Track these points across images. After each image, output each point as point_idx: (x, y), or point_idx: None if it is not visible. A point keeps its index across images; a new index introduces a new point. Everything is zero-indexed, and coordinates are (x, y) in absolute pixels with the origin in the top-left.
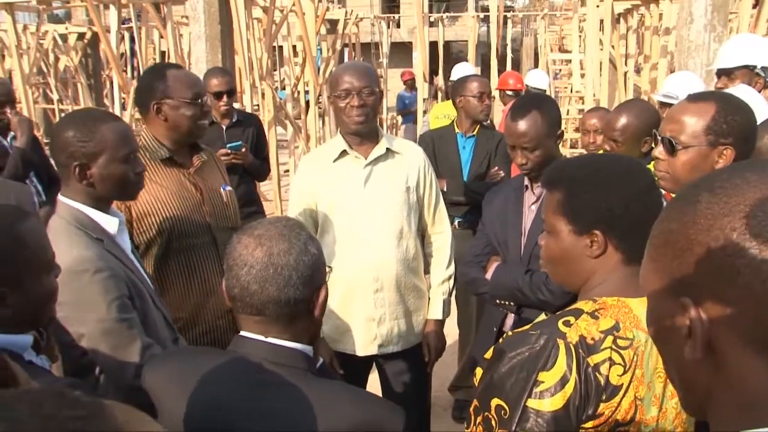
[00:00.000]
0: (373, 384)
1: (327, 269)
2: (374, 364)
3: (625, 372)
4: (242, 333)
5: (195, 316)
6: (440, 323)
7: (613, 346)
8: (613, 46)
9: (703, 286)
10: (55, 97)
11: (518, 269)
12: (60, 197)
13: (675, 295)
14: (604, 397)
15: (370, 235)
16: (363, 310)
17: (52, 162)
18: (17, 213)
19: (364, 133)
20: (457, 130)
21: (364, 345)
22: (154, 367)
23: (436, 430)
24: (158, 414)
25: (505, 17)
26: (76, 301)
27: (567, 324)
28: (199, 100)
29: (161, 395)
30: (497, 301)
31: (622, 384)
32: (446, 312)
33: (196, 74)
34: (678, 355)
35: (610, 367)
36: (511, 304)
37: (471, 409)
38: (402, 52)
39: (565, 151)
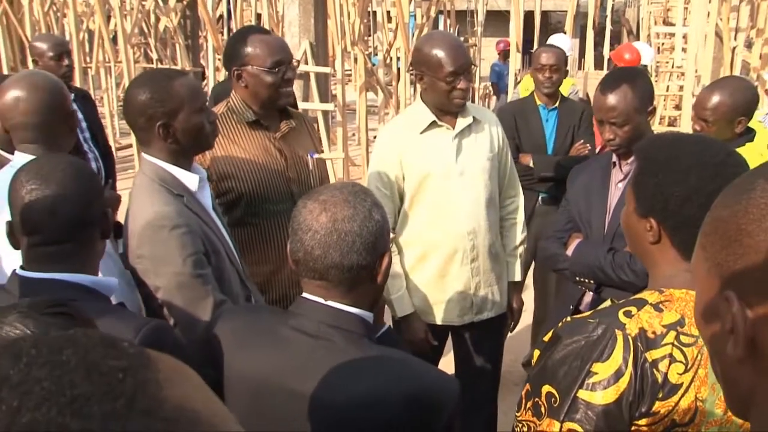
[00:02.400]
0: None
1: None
2: (449, 333)
3: (686, 371)
4: (304, 295)
5: (268, 283)
6: (519, 285)
7: (675, 343)
8: (721, 18)
9: (750, 280)
10: (154, 56)
11: (601, 247)
12: (144, 155)
13: (720, 288)
14: (660, 395)
15: (465, 204)
16: (460, 280)
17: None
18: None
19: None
20: (538, 102)
21: (461, 314)
22: (222, 319)
23: (507, 404)
24: (223, 365)
25: None
26: (154, 255)
27: (628, 314)
28: (280, 68)
29: (224, 347)
30: (576, 278)
31: (682, 383)
32: (523, 274)
33: (283, 39)
34: (721, 350)
35: (670, 364)
36: (591, 282)
37: (523, 392)
38: (498, 20)
39: (663, 130)
